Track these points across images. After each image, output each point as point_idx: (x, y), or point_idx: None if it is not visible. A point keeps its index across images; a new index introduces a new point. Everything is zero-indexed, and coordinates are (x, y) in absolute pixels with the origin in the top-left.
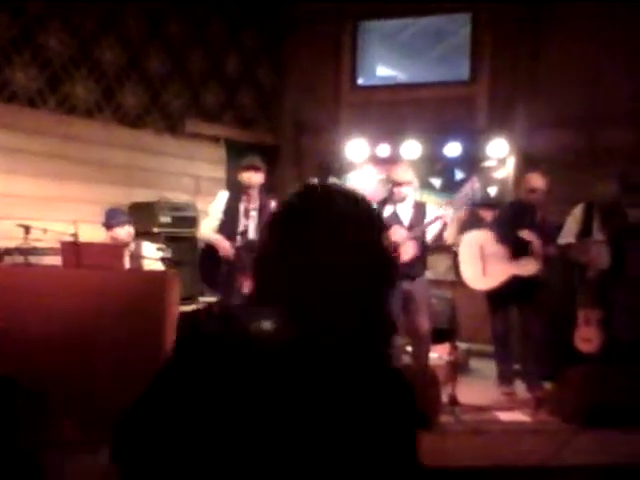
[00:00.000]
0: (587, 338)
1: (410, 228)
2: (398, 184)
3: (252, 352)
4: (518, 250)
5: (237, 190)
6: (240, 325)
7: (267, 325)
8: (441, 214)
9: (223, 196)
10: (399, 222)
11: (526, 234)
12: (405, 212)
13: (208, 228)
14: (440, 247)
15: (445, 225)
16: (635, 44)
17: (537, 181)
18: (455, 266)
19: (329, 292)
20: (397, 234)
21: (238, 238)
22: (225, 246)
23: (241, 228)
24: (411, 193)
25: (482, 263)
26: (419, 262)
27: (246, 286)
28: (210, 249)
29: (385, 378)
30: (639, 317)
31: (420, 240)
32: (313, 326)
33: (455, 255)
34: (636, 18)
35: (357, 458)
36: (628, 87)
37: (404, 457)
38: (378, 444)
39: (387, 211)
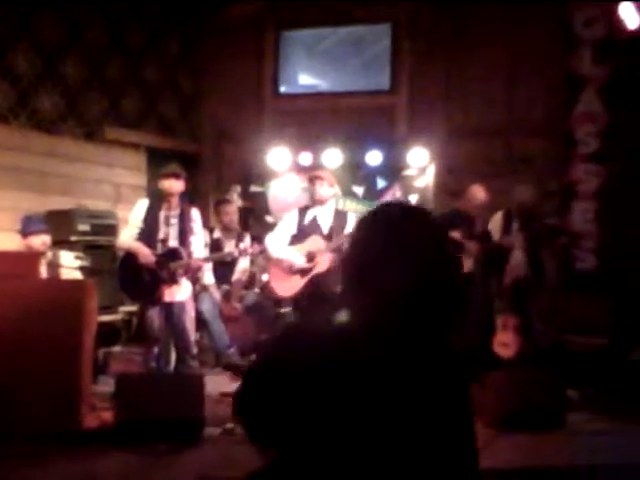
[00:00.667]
0: (505, 343)
1: (329, 237)
2: (316, 177)
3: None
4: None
5: (157, 198)
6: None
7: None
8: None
9: (143, 204)
10: (319, 230)
11: (455, 234)
12: (325, 220)
13: (128, 236)
14: None
15: None
16: (547, 55)
17: (480, 193)
18: None
19: (424, 293)
20: (315, 244)
21: (159, 246)
22: (145, 253)
23: (161, 236)
24: (329, 194)
25: None
26: (337, 271)
27: (167, 294)
28: (130, 258)
29: (457, 363)
30: (555, 322)
31: (339, 251)
32: (410, 320)
33: None
34: (547, 29)
35: (443, 425)
36: (542, 97)
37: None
38: (458, 416)
39: (308, 217)
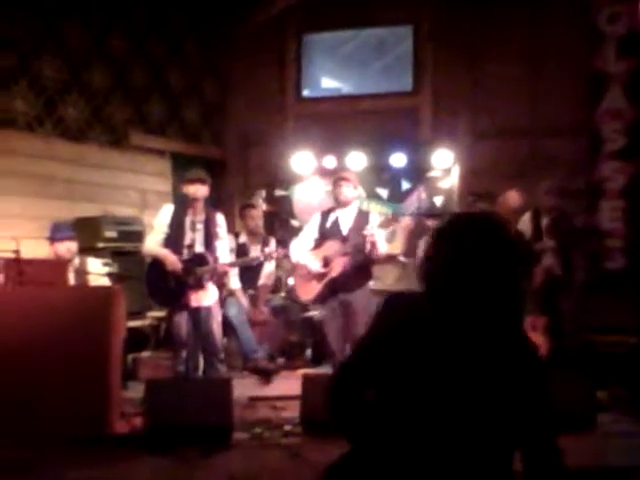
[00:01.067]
0: None
1: (346, 239)
2: (340, 179)
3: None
4: None
5: (182, 203)
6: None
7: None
8: (367, 233)
9: (168, 210)
10: (338, 232)
11: None
12: (347, 221)
13: (154, 242)
14: (388, 258)
15: (373, 244)
16: (571, 53)
17: (516, 198)
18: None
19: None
20: (331, 248)
21: (185, 251)
22: (173, 260)
23: (187, 242)
24: (353, 195)
25: None
26: (357, 276)
27: (193, 300)
28: (157, 264)
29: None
30: (585, 322)
31: (355, 254)
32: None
33: (405, 264)
34: (570, 27)
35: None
36: (567, 95)
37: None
38: (530, 383)
39: (330, 220)
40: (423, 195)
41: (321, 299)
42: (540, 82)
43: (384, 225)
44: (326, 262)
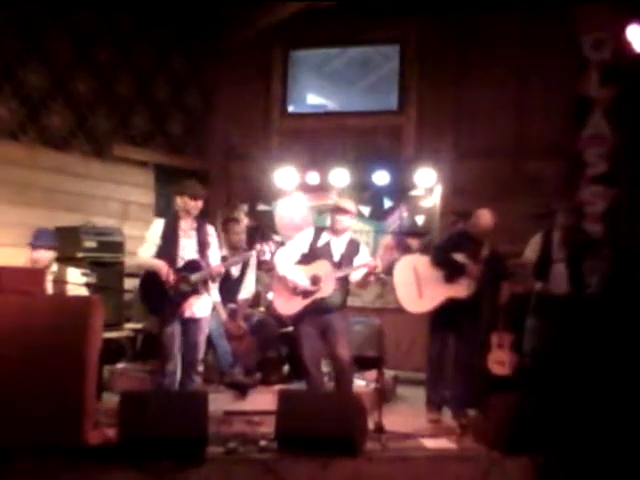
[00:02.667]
0: (500, 361)
1: (338, 265)
2: (342, 211)
3: None
4: (453, 273)
5: (175, 215)
6: None
7: None
8: (370, 263)
9: (159, 222)
10: (329, 255)
11: (459, 257)
12: (338, 246)
13: (147, 254)
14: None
15: (370, 274)
16: (555, 77)
17: (486, 217)
18: (392, 290)
19: None
20: (322, 269)
21: (179, 260)
22: (167, 272)
23: (181, 250)
24: (349, 225)
25: (417, 286)
26: (340, 297)
27: (187, 310)
28: (152, 275)
29: None
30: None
31: (342, 279)
32: None
33: (385, 282)
34: (555, 51)
35: None
36: (550, 118)
37: None
38: None
39: (322, 240)
40: (405, 214)
41: (301, 316)
42: (524, 104)
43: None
44: (314, 281)
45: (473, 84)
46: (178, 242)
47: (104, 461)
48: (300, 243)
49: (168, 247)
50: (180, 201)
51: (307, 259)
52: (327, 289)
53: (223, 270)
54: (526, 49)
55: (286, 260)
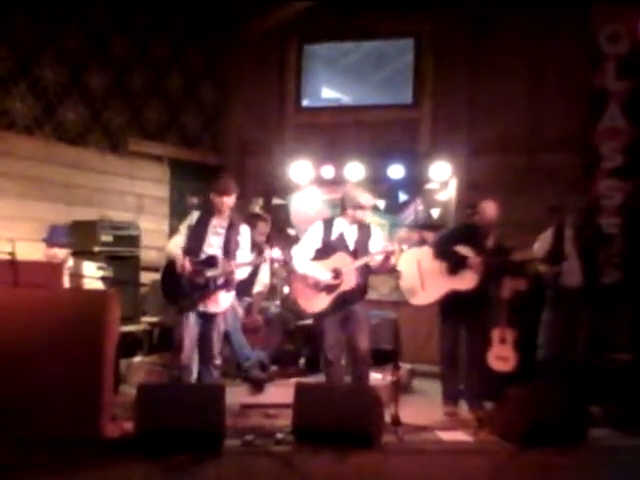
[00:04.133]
0: (503, 357)
1: (355, 253)
2: (362, 207)
3: None
4: (455, 265)
5: (209, 209)
6: None
7: None
8: (388, 248)
9: (194, 215)
10: (345, 246)
11: (462, 249)
12: (351, 235)
13: (175, 244)
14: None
15: (388, 259)
16: (571, 70)
17: (489, 209)
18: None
19: None
20: (341, 261)
21: (202, 256)
22: (182, 262)
23: (207, 245)
24: (366, 217)
25: (420, 278)
26: (361, 288)
27: (202, 304)
28: (172, 265)
29: None
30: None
31: (362, 267)
32: None
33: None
34: (571, 45)
35: None
36: (566, 112)
37: None
38: None
39: (334, 232)
40: (420, 207)
41: (330, 311)
42: (540, 97)
43: (404, 241)
44: (336, 274)
45: (488, 77)
46: (204, 237)
47: (121, 453)
48: (312, 239)
49: (193, 240)
50: (211, 197)
51: (323, 253)
52: (350, 281)
53: (234, 269)
54: (541, 42)
55: (302, 258)
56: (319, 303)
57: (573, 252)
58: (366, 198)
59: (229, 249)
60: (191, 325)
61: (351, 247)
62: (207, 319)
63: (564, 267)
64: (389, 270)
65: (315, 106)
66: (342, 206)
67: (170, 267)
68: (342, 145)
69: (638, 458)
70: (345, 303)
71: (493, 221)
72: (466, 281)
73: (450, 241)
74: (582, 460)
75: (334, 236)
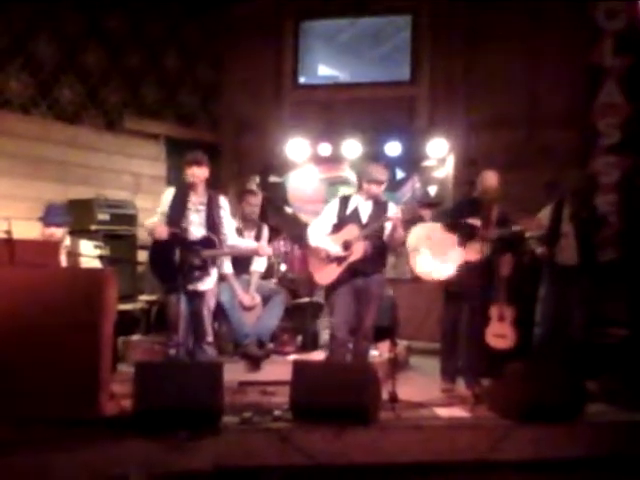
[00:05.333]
0: (501, 334)
1: (366, 226)
2: (378, 182)
3: None
4: (464, 236)
5: (183, 186)
6: None
7: None
8: (391, 216)
9: (169, 192)
10: (358, 220)
11: (471, 220)
12: (366, 209)
13: (153, 220)
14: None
15: (396, 226)
16: (569, 46)
17: (490, 179)
18: (406, 261)
19: None
20: (351, 233)
21: (186, 233)
22: (161, 229)
23: (187, 223)
24: (381, 191)
25: (432, 253)
26: (374, 260)
27: (190, 282)
28: (159, 245)
29: None
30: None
31: (374, 239)
32: None
33: (399, 253)
34: (568, 21)
35: None
36: (564, 88)
37: None
38: None
39: (349, 207)
40: (417, 184)
41: (340, 282)
42: (537, 74)
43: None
44: (346, 246)
45: (486, 54)
46: (183, 213)
47: (119, 431)
48: (328, 215)
49: (174, 216)
50: (184, 172)
51: (337, 228)
52: (358, 251)
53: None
54: (539, 19)
55: (317, 232)
56: (330, 274)
57: (570, 230)
58: (380, 172)
59: (213, 224)
60: (182, 304)
61: (364, 221)
62: (196, 297)
63: (561, 245)
64: (399, 241)
65: (312, 83)
66: (359, 182)
67: (157, 248)
68: (339, 122)
69: (635, 433)
70: (357, 274)
71: (493, 189)
72: (476, 252)
73: (457, 214)
74: (579, 436)
75: (349, 211)
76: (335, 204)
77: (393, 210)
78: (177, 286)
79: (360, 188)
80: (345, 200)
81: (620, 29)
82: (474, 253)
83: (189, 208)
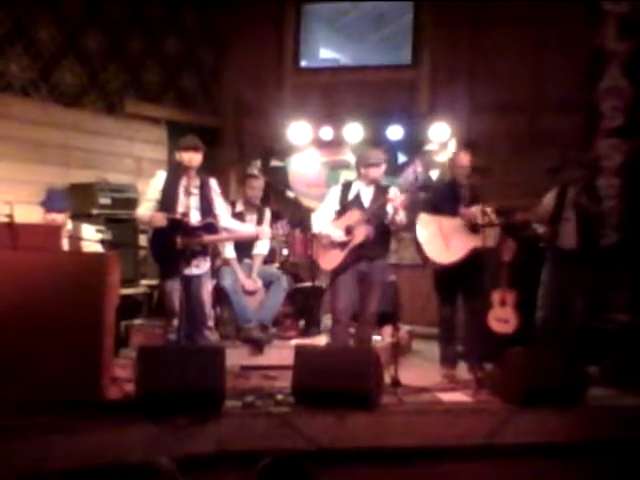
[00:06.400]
0: (503, 319)
1: (368, 210)
2: (374, 165)
3: None
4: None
5: (175, 170)
6: None
7: None
8: (390, 197)
9: (161, 176)
10: (360, 205)
11: (474, 209)
12: (367, 194)
13: (145, 209)
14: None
15: (397, 209)
16: (572, 30)
17: (464, 159)
18: (416, 246)
19: None
20: (352, 217)
21: (179, 216)
22: (158, 217)
23: (182, 209)
24: (381, 174)
25: (444, 237)
26: (378, 244)
27: (186, 267)
28: (158, 231)
29: None
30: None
31: (376, 223)
32: None
33: (401, 237)
34: (572, 4)
35: None
36: (567, 72)
37: None
38: None
39: (351, 193)
40: (419, 168)
41: (343, 267)
42: (540, 58)
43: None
44: (348, 230)
45: (489, 38)
46: (178, 197)
47: (122, 415)
48: (331, 202)
49: (167, 202)
50: (177, 155)
51: (339, 214)
52: (359, 235)
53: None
54: (543, 2)
55: (320, 219)
56: (334, 259)
57: (572, 216)
58: (375, 155)
59: (208, 208)
60: (177, 288)
61: (366, 205)
62: (194, 281)
63: (561, 229)
64: (401, 225)
65: (313, 67)
66: (357, 168)
67: (156, 233)
68: (341, 106)
69: (636, 417)
70: (360, 258)
71: (464, 168)
72: (487, 238)
73: (437, 199)
74: (580, 420)
75: (350, 197)
76: (337, 191)
77: (396, 193)
78: (176, 271)
79: (359, 174)
80: (347, 187)
81: (624, 12)
82: (485, 240)
83: (185, 192)
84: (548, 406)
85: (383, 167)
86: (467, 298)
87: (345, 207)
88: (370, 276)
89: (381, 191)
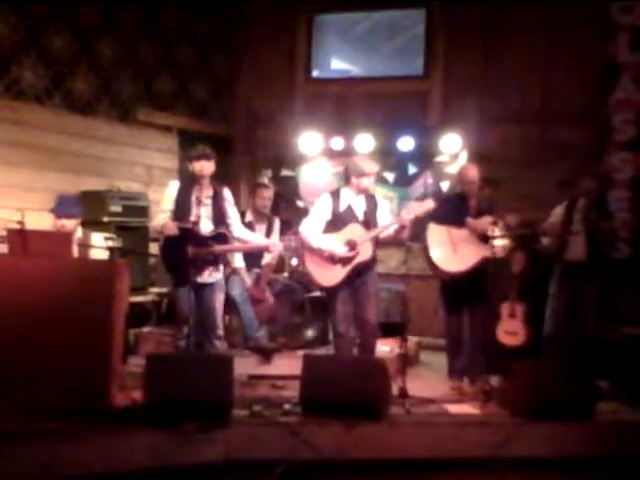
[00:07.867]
0: (512, 332)
1: (366, 224)
2: (366, 175)
3: None
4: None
5: (188, 180)
6: None
7: None
8: (401, 218)
9: (174, 186)
10: (355, 217)
11: (486, 219)
12: (359, 206)
13: (160, 219)
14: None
15: (403, 228)
16: (584, 42)
17: (470, 172)
18: (425, 255)
19: None
20: (354, 232)
21: (192, 226)
22: (170, 226)
23: (193, 218)
24: (372, 186)
25: (453, 246)
26: (375, 258)
27: (199, 276)
28: (170, 240)
29: None
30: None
31: (378, 238)
32: None
33: (408, 248)
34: (584, 16)
35: None
36: (579, 84)
37: None
38: None
39: (342, 204)
40: (430, 180)
41: (346, 283)
42: (552, 69)
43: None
44: (351, 246)
45: (500, 49)
46: (190, 207)
47: (130, 423)
48: (321, 211)
49: (180, 212)
50: (189, 166)
51: (334, 226)
52: (366, 252)
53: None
54: (555, 13)
55: (314, 231)
56: (335, 276)
57: (581, 229)
58: (369, 165)
59: (220, 219)
60: (188, 296)
61: (360, 218)
62: (206, 290)
63: (570, 241)
64: (402, 241)
65: (325, 77)
66: (346, 176)
67: (168, 242)
68: (352, 116)
69: None
70: (360, 275)
71: (473, 184)
72: (498, 249)
73: (445, 210)
74: (589, 434)
75: (342, 208)
76: (327, 200)
77: (383, 204)
78: (188, 280)
79: (348, 183)
80: (336, 195)
81: (636, 24)
82: (495, 250)
83: (197, 202)
84: (557, 420)
85: (374, 178)
86: (470, 308)
87: (338, 218)
88: (365, 286)
89: (372, 201)
